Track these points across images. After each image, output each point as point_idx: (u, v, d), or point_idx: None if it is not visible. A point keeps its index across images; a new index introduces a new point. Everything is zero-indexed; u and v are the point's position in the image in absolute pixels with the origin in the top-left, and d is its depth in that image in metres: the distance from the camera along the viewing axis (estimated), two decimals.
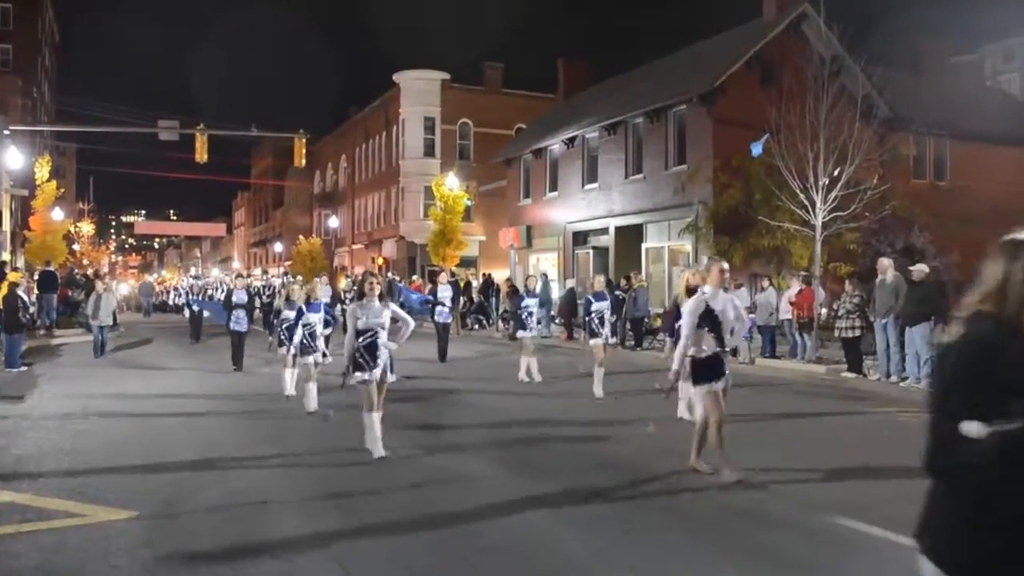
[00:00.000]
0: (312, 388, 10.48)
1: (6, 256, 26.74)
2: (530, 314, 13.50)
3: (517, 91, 42.03)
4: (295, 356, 11.11)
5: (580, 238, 29.58)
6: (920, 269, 13.23)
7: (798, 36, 22.65)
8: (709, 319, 7.01)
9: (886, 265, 13.80)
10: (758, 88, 21.50)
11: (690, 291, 8.50)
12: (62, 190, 40.85)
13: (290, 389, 11.72)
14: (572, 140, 29.28)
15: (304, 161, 30.01)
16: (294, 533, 5.66)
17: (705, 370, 7.04)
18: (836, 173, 17.11)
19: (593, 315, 12.18)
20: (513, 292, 25.50)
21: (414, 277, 31.74)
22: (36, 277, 23.70)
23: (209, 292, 27.48)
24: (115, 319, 19.21)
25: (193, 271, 77.84)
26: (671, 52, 30.60)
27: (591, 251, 28.95)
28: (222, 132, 31.82)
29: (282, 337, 11.53)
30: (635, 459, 7.96)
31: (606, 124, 27.18)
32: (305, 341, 10.63)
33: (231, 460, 7.97)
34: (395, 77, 41.91)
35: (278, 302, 12.82)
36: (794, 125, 17.63)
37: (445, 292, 17.23)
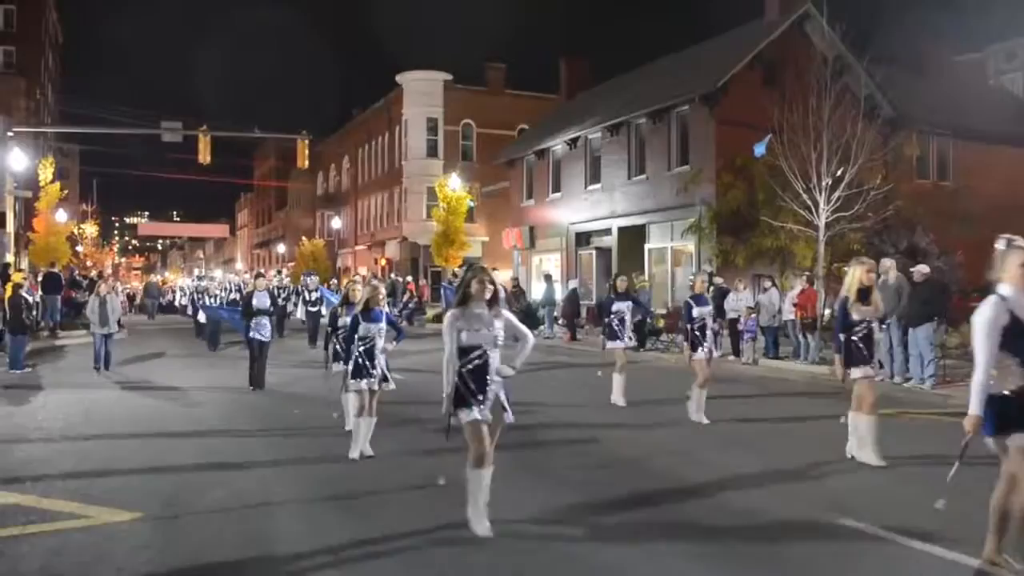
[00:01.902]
0: (363, 425, 8.04)
1: (10, 258, 26.80)
2: (621, 321, 11.41)
3: (520, 92, 42.05)
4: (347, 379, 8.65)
5: (583, 239, 29.59)
6: (920, 270, 13.21)
7: (801, 36, 22.65)
8: (1018, 337, 4.55)
9: (888, 266, 13.77)
10: (761, 88, 21.50)
11: (861, 291, 7.66)
12: (65, 192, 40.95)
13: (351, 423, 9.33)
14: (575, 141, 29.27)
15: (307, 162, 30.08)
16: (297, 535, 5.67)
17: (1018, 413, 4.55)
18: (839, 173, 17.12)
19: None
20: (519, 293, 25.53)
21: (407, 278, 31.60)
22: (40, 279, 23.74)
23: (217, 294, 24.22)
24: (119, 322, 18.99)
25: (197, 271, 77.74)
26: (673, 52, 30.60)
27: (594, 252, 28.95)
28: (225, 133, 31.91)
29: (339, 351, 9.32)
30: (639, 461, 7.95)
31: (609, 125, 27.17)
32: (360, 360, 8.04)
33: (234, 462, 7.98)
34: (398, 78, 41.95)
35: (324, 304, 11.56)
36: (797, 125, 17.64)
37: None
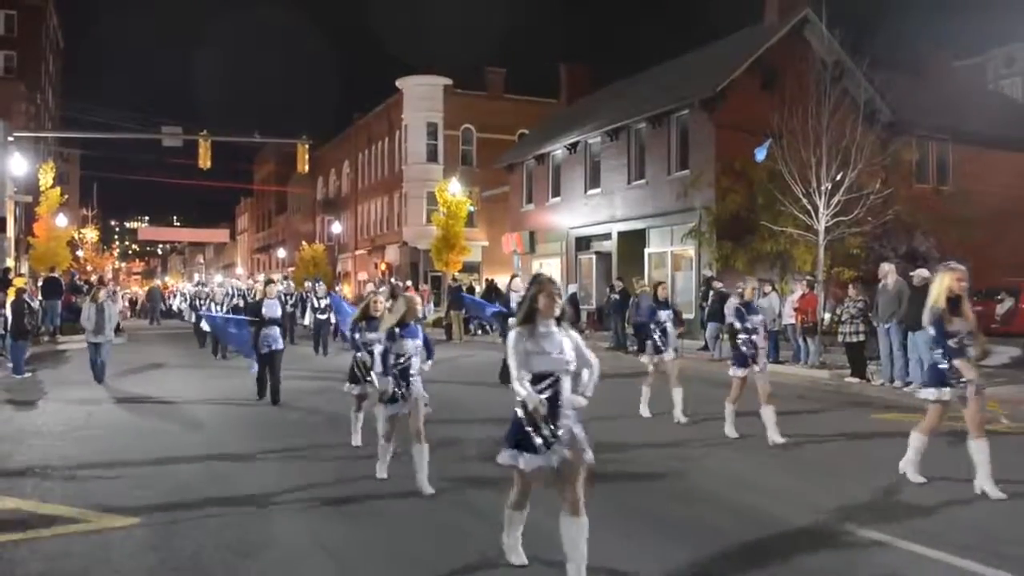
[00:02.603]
0: (388, 452, 7.30)
1: (10, 263, 26.81)
2: (664, 331, 10.68)
3: (520, 96, 42.11)
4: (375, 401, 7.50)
5: (583, 243, 29.60)
6: (920, 274, 13.22)
7: (800, 41, 22.67)
8: None
9: (887, 270, 13.79)
10: (760, 93, 21.54)
11: (951, 301, 6.66)
12: (66, 196, 40.95)
13: (359, 439, 8.73)
14: (575, 145, 29.31)
15: (307, 167, 30.09)
16: (297, 539, 5.67)
17: None
18: (839, 178, 17.12)
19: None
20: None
21: (407, 283, 31.44)
22: (40, 283, 23.75)
23: (221, 300, 21.78)
24: (119, 326, 18.93)
25: (197, 276, 77.73)
26: (673, 57, 30.65)
27: (594, 256, 28.97)
28: (226, 138, 31.92)
29: (356, 372, 8.56)
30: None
31: (608, 129, 27.21)
32: (395, 382, 7.01)
33: (234, 466, 7.99)
34: (398, 83, 42.01)
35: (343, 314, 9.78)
36: (796, 130, 17.64)
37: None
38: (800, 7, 23.23)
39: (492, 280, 29.09)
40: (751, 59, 22.89)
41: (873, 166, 18.13)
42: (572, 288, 25.53)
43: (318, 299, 20.68)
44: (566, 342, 4.70)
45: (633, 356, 19.24)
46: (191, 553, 5.40)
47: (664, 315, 10.73)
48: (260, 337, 11.77)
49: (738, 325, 9.33)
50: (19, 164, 26.76)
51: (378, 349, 7.52)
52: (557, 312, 4.70)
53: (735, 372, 9.25)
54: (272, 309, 11.91)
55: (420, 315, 7.40)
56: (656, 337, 10.66)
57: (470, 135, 41.93)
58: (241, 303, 20.85)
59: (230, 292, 24.39)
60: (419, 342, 7.11)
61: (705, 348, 18.96)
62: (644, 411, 10.72)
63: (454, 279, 30.48)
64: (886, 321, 13.42)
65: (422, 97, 41.31)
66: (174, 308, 40.46)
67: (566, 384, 4.68)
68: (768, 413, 8.88)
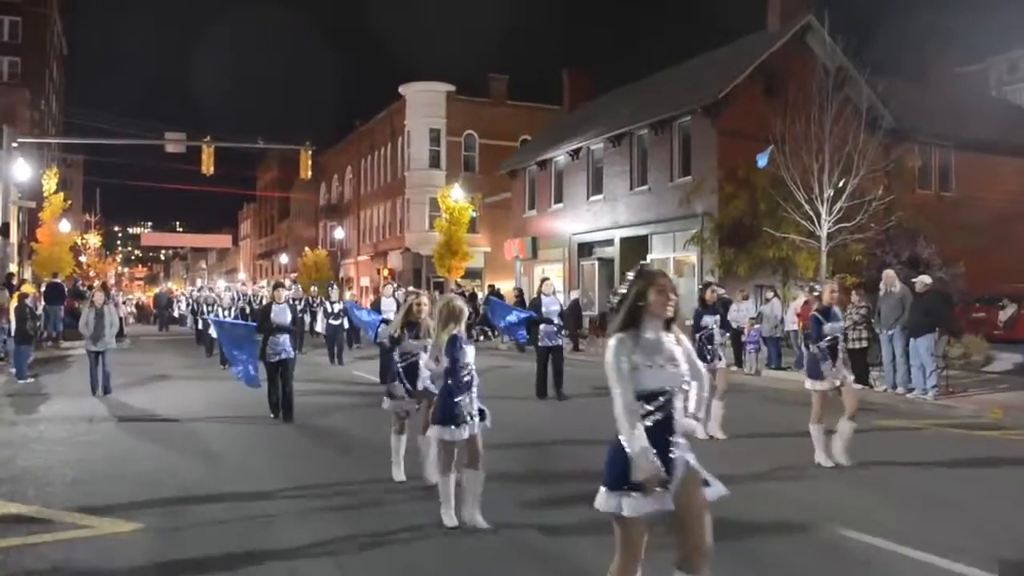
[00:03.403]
0: (450, 485, 5.96)
1: (13, 268, 26.86)
2: (709, 338, 9.77)
3: (522, 102, 42.17)
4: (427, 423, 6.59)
5: (585, 249, 29.61)
6: (923, 280, 13.23)
7: (802, 47, 22.71)
8: None
9: (891, 276, 13.79)
10: (763, 99, 21.56)
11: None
12: (69, 202, 41.06)
13: (401, 472, 7.33)
14: (577, 151, 29.34)
15: (310, 173, 30.13)
16: (299, 545, 5.65)
17: None
18: (841, 184, 17.15)
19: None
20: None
21: (409, 288, 31.18)
22: (43, 289, 23.79)
23: (229, 306, 20.06)
24: (122, 329, 18.67)
25: (200, 281, 77.75)
26: (676, 63, 30.70)
27: (596, 263, 28.98)
28: (229, 144, 31.96)
29: (403, 388, 7.21)
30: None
31: (611, 135, 27.24)
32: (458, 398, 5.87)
33: (237, 472, 7.99)
34: (400, 89, 42.09)
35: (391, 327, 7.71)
36: (799, 136, 17.68)
37: (553, 306, 12.97)
38: (803, 14, 23.28)
39: (495, 286, 29.08)
40: (753, 65, 22.92)
41: (875, 172, 18.16)
42: (575, 295, 25.54)
43: (331, 304, 19.76)
44: (678, 351, 3.72)
45: None
46: (194, 559, 5.39)
47: (710, 320, 9.74)
48: (268, 345, 10.72)
49: (816, 333, 8.17)
50: (23, 170, 26.81)
51: (423, 360, 6.62)
52: (670, 312, 3.71)
53: (813, 386, 8.10)
54: (282, 315, 10.86)
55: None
56: (702, 345, 9.54)
57: (472, 141, 41.99)
58: (246, 307, 20.37)
59: (236, 296, 23.56)
60: (473, 351, 6.07)
61: None
62: (715, 431, 9.47)
63: (457, 284, 30.48)
64: (889, 327, 13.41)
65: (425, 103, 41.38)
66: (176, 314, 40.46)
67: (679, 404, 3.67)
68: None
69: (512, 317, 13.90)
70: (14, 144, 26.72)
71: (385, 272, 43.49)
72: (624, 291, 3.76)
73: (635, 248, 26.20)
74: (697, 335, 9.74)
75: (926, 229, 21.06)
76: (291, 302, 11.88)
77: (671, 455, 3.57)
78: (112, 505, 6.64)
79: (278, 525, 6.15)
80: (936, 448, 8.89)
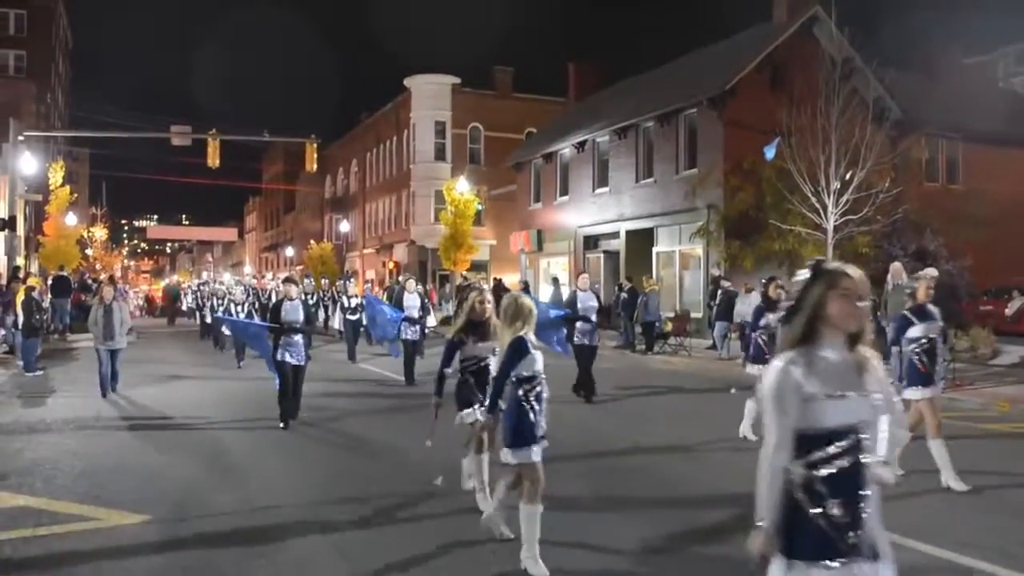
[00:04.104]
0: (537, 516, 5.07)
1: (20, 261, 26.94)
2: (771, 337, 8.91)
3: (527, 95, 42.10)
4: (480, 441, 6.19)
5: (591, 242, 29.57)
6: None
7: (809, 39, 22.58)
8: None
9: (899, 269, 13.75)
10: (769, 91, 21.47)
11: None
12: (75, 195, 41.11)
13: (489, 501, 5.89)
14: (583, 144, 29.28)
15: (315, 166, 30.12)
16: (306, 537, 5.68)
17: None
18: (848, 176, 17.09)
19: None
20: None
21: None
22: (50, 282, 23.87)
23: (242, 300, 18.17)
24: (130, 330, 18.36)
25: (205, 274, 77.86)
26: (681, 55, 30.59)
27: (602, 255, 28.94)
28: (235, 137, 32.00)
29: (476, 393, 6.22)
30: (651, 469, 7.93)
31: (617, 128, 27.16)
32: (532, 414, 5.12)
33: (243, 464, 8.02)
34: (406, 81, 42.03)
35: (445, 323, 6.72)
36: (805, 128, 17.61)
37: (590, 302, 12.25)
38: (809, 5, 23.14)
39: (500, 280, 29.07)
40: (760, 57, 22.81)
41: (882, 164, 18.09)
42: (584, 284, 25.47)
43: (348, 298, 18.98)
44: (868, 377, 2.82)
45: (640, 355, 19.24)
46: (202, 552, 5.41)
47: (772, 319, 8.85)
48: (280, 346, 9.93)
49: (913, 334, 7.13)
50: (29, 163, 26.87)
51: (493, 364, 5.87)
52: (855, 326, 2.84)
53: (912, 395, 7.01)
54: (294, 312, 9.98)
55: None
56: (762, 343, 9.08)
57: (478, 134, 41.93)
58: (256, 304, 19.36)
59: (247, 291, 21.37)
60: (540, 358, 5.24)
61: (713, 347, 18.93)
62: (748, 432, 8.84)
63: (464, 278, 30.45)
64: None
65: (430, 96, 41.32)
66: (183, 308, 40.50)
67: (867, 448, 2.79)
68: (940, 449, 6.90)
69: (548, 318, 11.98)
70: (20, 138, 26.79)
71: (391, 265, 43.55)
72: (797, 296, 2.95)
73: (641, 241, 26.17)
74: (754, 333, 9.28)
75: (933, 222, 20.97)
76: (303, 298, 11.23)
77: (861, 513, 2.70)
78: (119, 497, 6.67)
79: (284, 518, 6.16)
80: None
